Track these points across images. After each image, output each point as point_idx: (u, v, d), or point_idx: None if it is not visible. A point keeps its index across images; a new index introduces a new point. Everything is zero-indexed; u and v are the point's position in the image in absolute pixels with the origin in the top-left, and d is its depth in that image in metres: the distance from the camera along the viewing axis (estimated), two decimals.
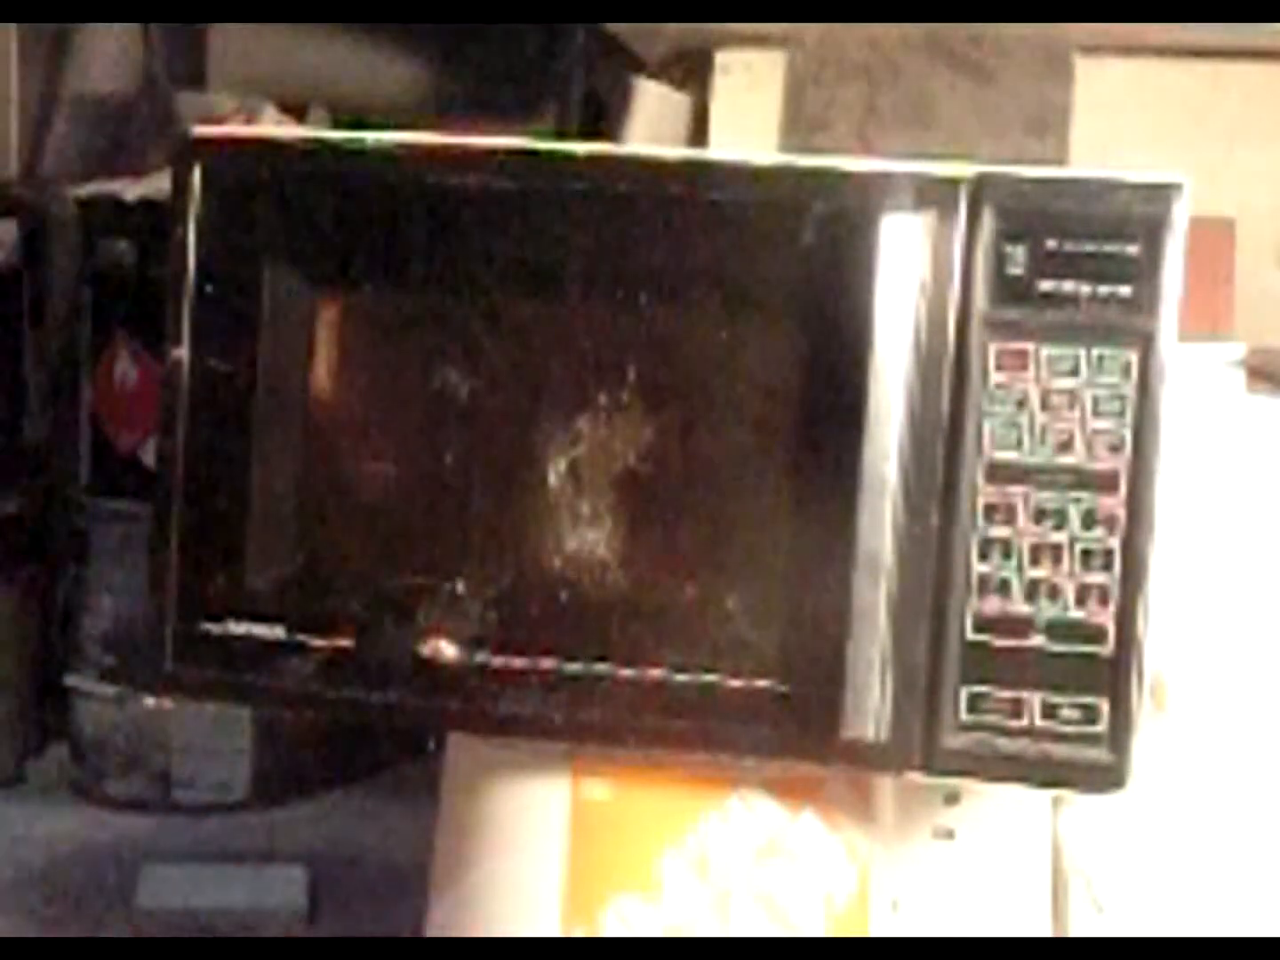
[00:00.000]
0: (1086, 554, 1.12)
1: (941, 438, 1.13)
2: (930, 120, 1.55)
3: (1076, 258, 1.12)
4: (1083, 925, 1.32)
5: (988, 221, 1.13)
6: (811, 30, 1.58)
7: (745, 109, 1.61)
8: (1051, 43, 1.53)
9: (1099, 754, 1.13)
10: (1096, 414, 1.12)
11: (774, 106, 1.60)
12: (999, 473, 1.13)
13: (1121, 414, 1.12)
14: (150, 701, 2.19)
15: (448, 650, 1.21)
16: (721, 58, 1.60)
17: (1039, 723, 1.13)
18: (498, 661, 1.20)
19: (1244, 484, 1.33)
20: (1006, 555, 1.13)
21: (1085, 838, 1.32)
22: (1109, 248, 1.12)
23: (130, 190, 2.45)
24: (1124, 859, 1.32)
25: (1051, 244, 1.12)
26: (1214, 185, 1.45)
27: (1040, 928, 1.30)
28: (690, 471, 1.18)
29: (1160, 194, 1.12)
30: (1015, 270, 1.13)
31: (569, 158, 1.19)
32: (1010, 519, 1.13)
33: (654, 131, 1.53)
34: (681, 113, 1.61)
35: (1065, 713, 1.13)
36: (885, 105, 1.56)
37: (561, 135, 2.02)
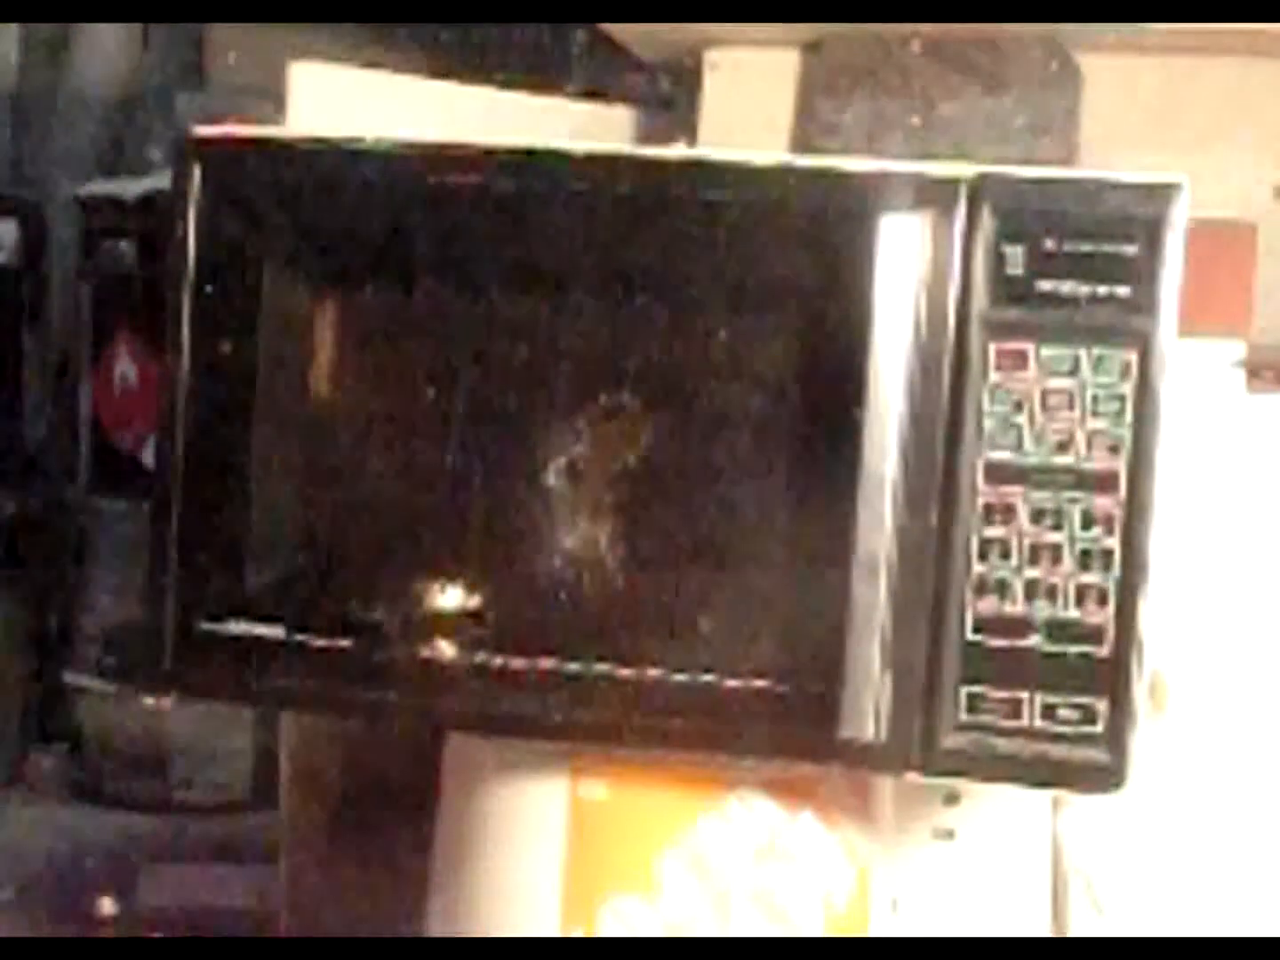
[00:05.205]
0: (1085, 554, 1.12)
1: (940, 437, 1.13)
2: (938, 124, 1.55)
3: (1075, 258, 1.12)
4: (1083, 925, 1.32)
5: (987, 222, 1.13)
6: (819, 34, 1.57)
7: (735, 106, 1.61)
8: (1057, 47, 1.53)
9: (1097, 754, 1.13)
10: (1095, 414, 1.12)
11: (765, 104, 1.60)
12: (998, 473, 1.13)
13: (1120, 414, 1.12)
14: (150, 701, 2.19)
15: (447, 650, 1.21)
16: (710, 55, 1.60)
17: (1037, 723, 1.13)
18: (497, 661, 1.20)
19: (1244, 484, 1.33)
20: (1005, 555, 1.13)
21: (1085, 838, 1.32)
22: (1107, 248, 1.12)
23: (130, 190, 2.45)
24: (1124, 859, 1.32)
25: (1050, 244, 1.12)
26: (1218, 185, 1.45)
27: (1040, 928, 1.31)
28: (689, 471, 1.18)
29: (1158, 194, 1.12)
30: (1014, 270, 1.13)
31: (568, 158, 1.19)
32: (1009, 519, 1.13)
33: (322, 114, 1.48)
34: (371, 93, 1.56)
35: (1063, 713, 1.13)
36: (893, 109, 1.55)
37: None
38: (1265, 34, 1.47)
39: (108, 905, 1.86)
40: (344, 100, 1.52)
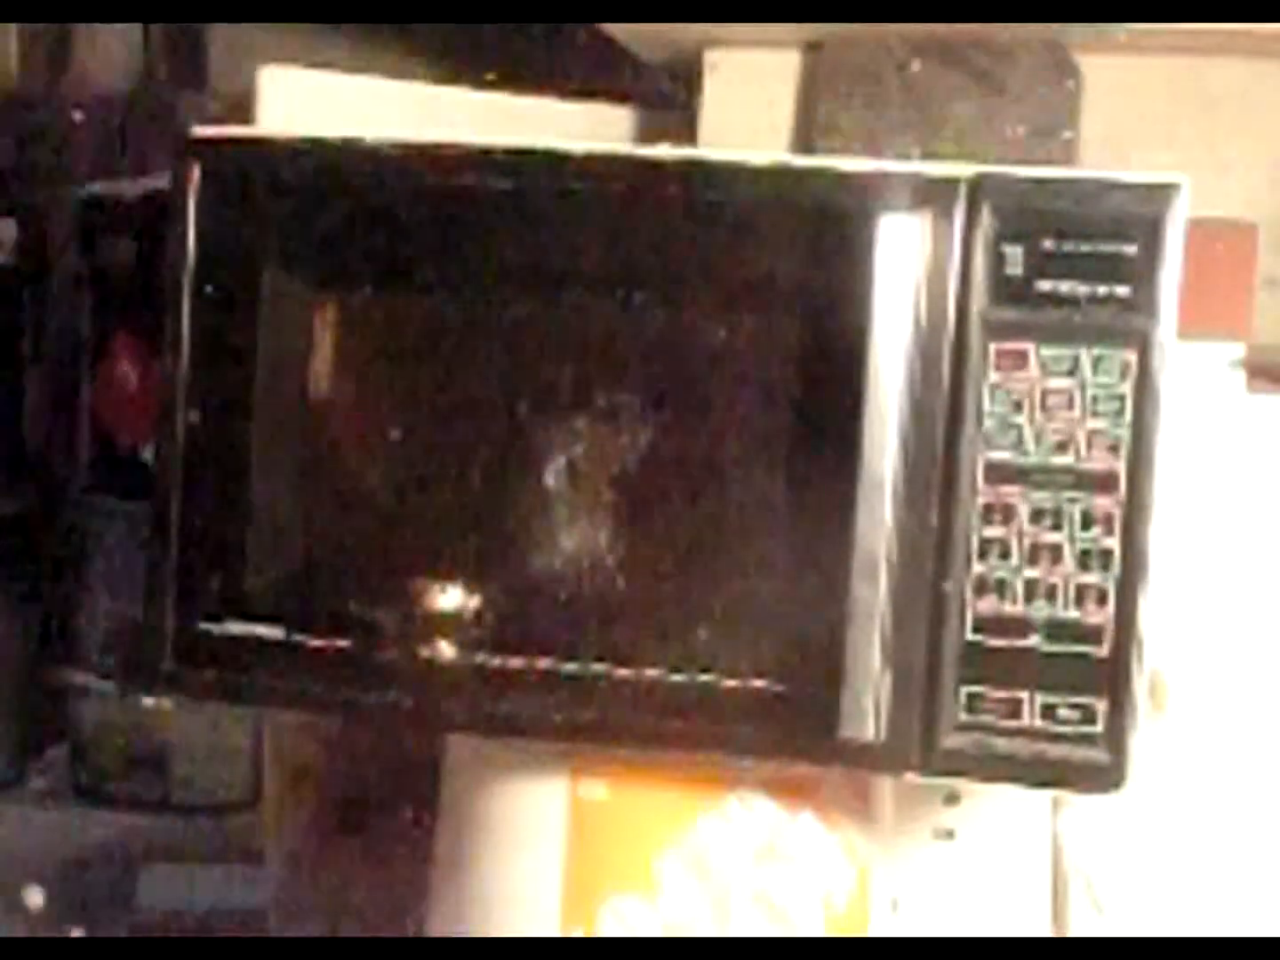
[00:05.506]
0: (1084, 554, 1.12)
1: (940, 437, 1.13)
2: (939, 126, 1.55)
3: (1075, 258, 1.12)
4: (1083, 925, 1.32)
5: (986, 221, 1.13)
6: (819, 34, 1.57)
7: (735, 106, 1.60)
8: (1057, 47, 1.53)
9: (1096, 754, 1.13)
10: (1095, 414, 1.12)
11: (765, 104, 1.60)
12: (997, 473, 1.13)
13: (1120, 414, 1.12)
14: (150, 701, 2.19)
15: (447, 650, 1.21)
16: (710, 55, 1.59)
17: (1037, 723, 1.13)
18: (497, 661, 1.20)
19: (1244, 484, 1.33)
20: (1004, 555, 1.13)
21: (1085, 838, 1.32)
22: (1107, 248, 1.12)
23: (130, 190, 2.45)
24: (1124, 859, 1.32)
25: (1050, 244, 1.12)
26: (1218, 185, 1.45)
27: (1040, 928, 1.31)
28: (688, 472, 1.18)
29: (1158, 194, 1.12)
30: (1013, 270, 1.13)
31: (567, 158, 1.19)
32: (1008, 519, 1.13)
33: (295, 119, 1.47)
34: (346, 96, 1.55)
35: (1063, 713, 1.13)
36: (893, 110, 1.55)
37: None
38: (1267, 34, 1.47)
39: (36, 896, 1.84)
40: (317, 104, 1.52)
